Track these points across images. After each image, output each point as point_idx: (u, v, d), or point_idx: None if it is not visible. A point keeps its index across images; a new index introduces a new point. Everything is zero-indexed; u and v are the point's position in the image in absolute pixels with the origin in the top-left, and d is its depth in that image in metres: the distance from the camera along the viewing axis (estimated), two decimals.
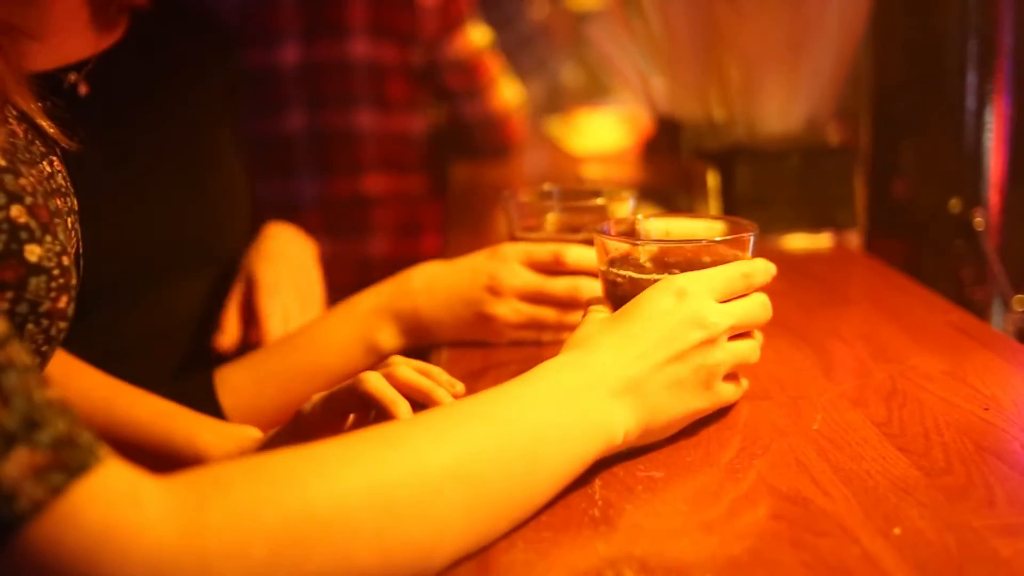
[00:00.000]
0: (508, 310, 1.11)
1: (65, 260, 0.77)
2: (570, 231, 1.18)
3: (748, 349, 0.88)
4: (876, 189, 1.82)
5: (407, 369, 0.89)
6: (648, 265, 0.95)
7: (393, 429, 0.71)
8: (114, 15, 1.23)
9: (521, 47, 3.67)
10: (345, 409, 0.89)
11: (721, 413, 0.90)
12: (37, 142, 0.92)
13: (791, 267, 1.51)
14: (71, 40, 1.18)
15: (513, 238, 1.19)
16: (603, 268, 0.97)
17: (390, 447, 0.67)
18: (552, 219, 1.20)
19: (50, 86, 1.07)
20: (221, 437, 0.98)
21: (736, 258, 0.93)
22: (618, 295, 0.95)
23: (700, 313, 0.83)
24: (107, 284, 1.16)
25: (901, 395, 0.94)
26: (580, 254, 1.11)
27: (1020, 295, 1.78)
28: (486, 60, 2.49)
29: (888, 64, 1.81)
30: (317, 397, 0.90)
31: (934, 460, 0.79)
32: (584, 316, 0.91)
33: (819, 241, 1.66)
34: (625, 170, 2.55)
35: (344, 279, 1.99)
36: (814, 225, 1.67)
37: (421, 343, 1.14)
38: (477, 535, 0.68)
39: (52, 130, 0.91)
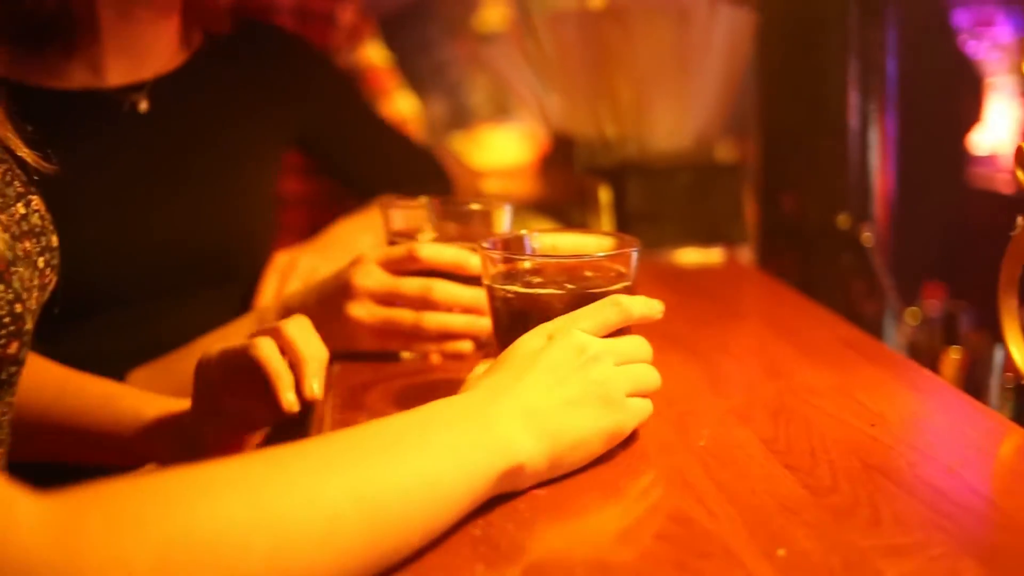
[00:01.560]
0: (362, 311, 1.09)
1: (18, 307, 0.77)
2: (446, 240, 1.15)
3: (642, 371, 0.85)
4: (767, 205, 1.84)
5: (294, 329, 0.93)
6: (535, 280, 0.93)
7: (285, 453, 0.67)
8: (193, 38, 1.36)
9: (434, 72, 3.70)
10: (239, 366, 0.92)
11: None
12: (16, 183, 0.90)
13: (682, 282, 1.51)
14: (153, 60, 1.30)
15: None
16: (487, 283, 0.94)
17: (282, 472, 0.64)
18: (428, 228, 1.18)
19: (115, 102, 1.25)
20: (166, 412, 1.02)
21: (619, 273, 0.92)
22: (508, 310, 0.93)
23: (573, 342, 0.81)
24: (128, 287, 1.26)
25: (788, 411, 0.93)
26: (434, 250, 1.09)
27: (913, 308, 1.80)
28: (380, 75, 2.55)
29: (775, 83, 1.82)
30: (215, 351, 0.94)
31: (820, 478, 0.78)
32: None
33: (710, 256, 1.66)
34: (523, 185, 2.56)
35: None
36: (705, 240, 1.67)
37: None
38: (379, 562, 0.65)
39: (32, 160, 0.91)
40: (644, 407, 0.84)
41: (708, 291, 1.46)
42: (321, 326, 1.10)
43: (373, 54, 2.55)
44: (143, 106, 1.27)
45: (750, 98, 1.87)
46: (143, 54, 1.28)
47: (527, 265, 0.94)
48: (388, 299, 1.09)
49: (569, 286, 0.91)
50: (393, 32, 3.31)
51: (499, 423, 0.75)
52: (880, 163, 1.77)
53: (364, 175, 1.71)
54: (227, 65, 1.40)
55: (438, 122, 3.38)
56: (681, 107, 1.77)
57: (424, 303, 1.09)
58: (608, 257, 0.93)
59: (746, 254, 1.69)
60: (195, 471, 0.62)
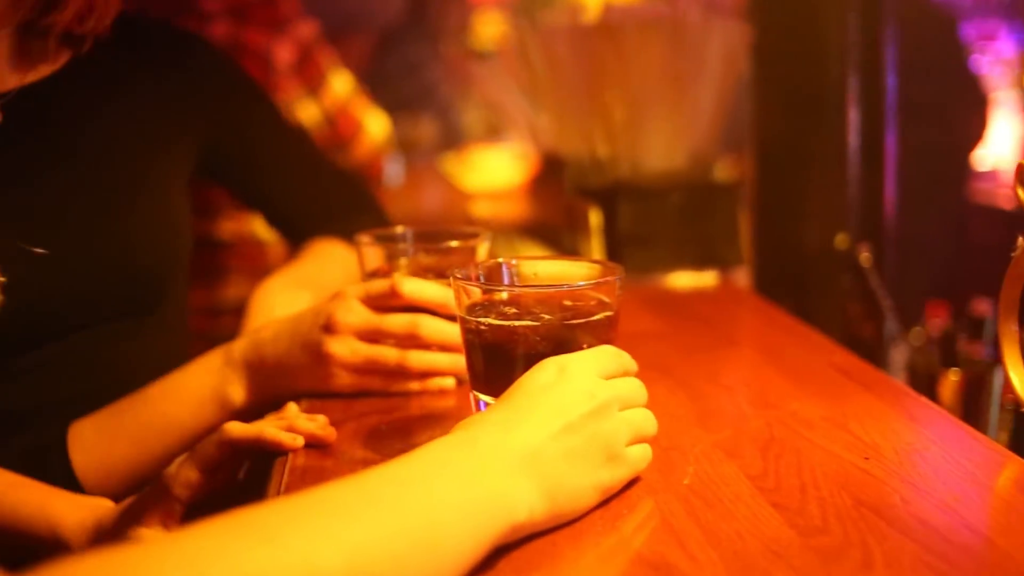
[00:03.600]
0: (345, 349, 1.04)
1: None
2: (423, 274, 1.11)
3: (642, 418, 0.83)
4: (764, 226, 1.80)
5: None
6: (510, 311, 0.89)
7: (272, 519, 0.61)
8: (50, 50, 1.17)
9: (425, 92, 3.66)
10: (213, 464, 0.92)
11: None
12: None
13: (674, 307, 1.47)
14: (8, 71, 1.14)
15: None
16: (460, 315, 0.91)
17: (270, 544, 0.57)
18: (404, 263, 1.14)
19: None
20: (74, 507, 0.97)
21: (600, 303, 0.88)
22: (481, 343, 0.89)
23: (584, 385, 0.79)
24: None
25: (779, 444, 0.89)
26: (416, 285, 1.04)
27: (916, 328, 1.76)
28: (350, 110, 2.40)
29: (773, 101, 1.79)
30: (182, 458, 0.92)
31: (809, 517, 0.74)
32: None
33: (704, 279, 1.62)
34: (513, 207, 2.52)
35: (196, 324, 1.90)
36: (699, 263, 1.63)
37: (273, 395, 1.06)
38: None
39: None
40: (642, 456, 0.82)
41: (700, 317, 1.42)
42: (295, 365, 1.06)
43: (339, 87, 2.37)
44: None
45: (747, 115, 1.84)
46: None
47: (502, 295, 0.90)
48: (371, 336, 1.05)
49: (546, 317, 0.88)
50: (383, 52, 3.28)
51: (503, 476, 0.71)
52: (880, 181, 1.74)
53: (283, 206, 1.48)
54: (105, 75, 1.21)
55: (429, 143, 3.35)
56: (675, 124, 1.73)
57: (411, 340, 1.05)
58: (590, 285, 0.90)
59: (742, 277, 1.65)
60: (171, 543, 0.57)
